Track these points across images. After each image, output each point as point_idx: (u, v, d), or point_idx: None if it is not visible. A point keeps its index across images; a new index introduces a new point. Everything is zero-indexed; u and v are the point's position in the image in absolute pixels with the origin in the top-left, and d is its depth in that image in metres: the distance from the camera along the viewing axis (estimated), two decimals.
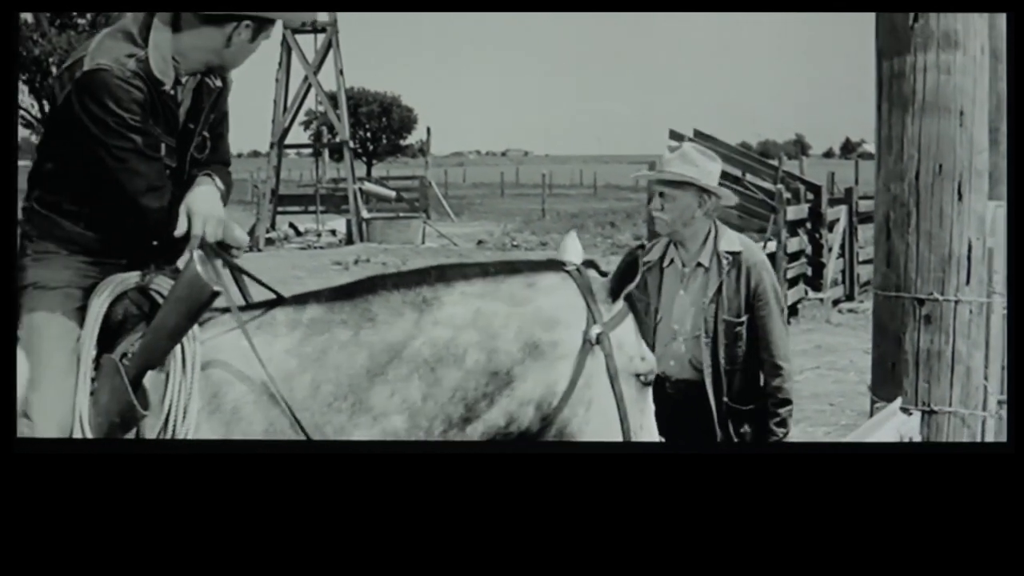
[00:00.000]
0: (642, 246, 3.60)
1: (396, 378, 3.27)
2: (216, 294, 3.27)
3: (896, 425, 3.16)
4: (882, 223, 3.37)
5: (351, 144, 34.30)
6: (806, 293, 18.10)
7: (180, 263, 3.57)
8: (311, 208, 31.91)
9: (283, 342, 3.31)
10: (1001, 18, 3.30)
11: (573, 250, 3.52)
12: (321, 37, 35.48)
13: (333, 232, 31.01)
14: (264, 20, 3.49)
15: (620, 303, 3.38)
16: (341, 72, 33.19)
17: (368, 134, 74.88)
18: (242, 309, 3.41)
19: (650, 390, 3.46)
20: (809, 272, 18.52)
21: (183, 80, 3.54)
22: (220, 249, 3.43)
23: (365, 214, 31.27)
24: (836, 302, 18.44)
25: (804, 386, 12.11)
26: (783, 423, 4.54)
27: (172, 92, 3.51)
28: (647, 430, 3.41)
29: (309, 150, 44.51)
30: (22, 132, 55.52)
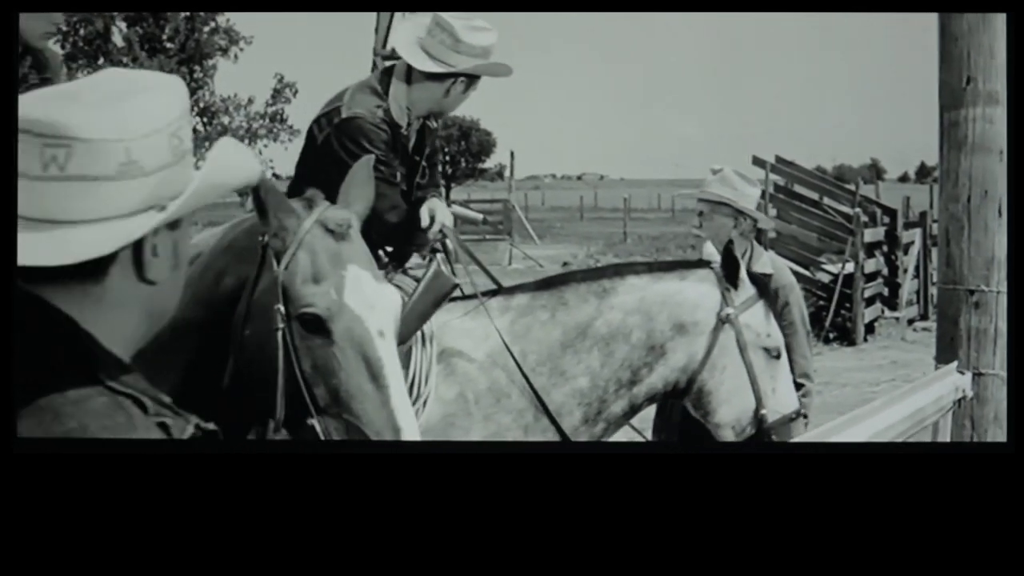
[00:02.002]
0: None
1: (581, 349, 4.19)
2: (456, 286, 4.18)
3: (953, 380, 4.11)
4: (943, 234, 4.36)
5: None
6: (882, 312, 18.61)
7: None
8: None
9: (497, 322, 4.22)
10: None
11: (709, 251, 4.54)
12: None
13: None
14: (474, 76, 4.49)
15: (750, 292, 4.28)
16: None
17: (447, 157, 75.42)
18: (468, 297, 4.32)
19: (780, 362, 4.27)
20: (885, 292, 19.05)
21: (412, 123, 4.54)
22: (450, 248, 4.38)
23: None
24: (911, 321, 18.89)
25: (881, 396, 12.78)
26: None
27: (405, 133, 4.50)
28: (780, 393, 4.23)
29: None
30: None
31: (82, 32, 52.26)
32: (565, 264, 29.63)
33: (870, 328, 17.70)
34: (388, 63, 4.62)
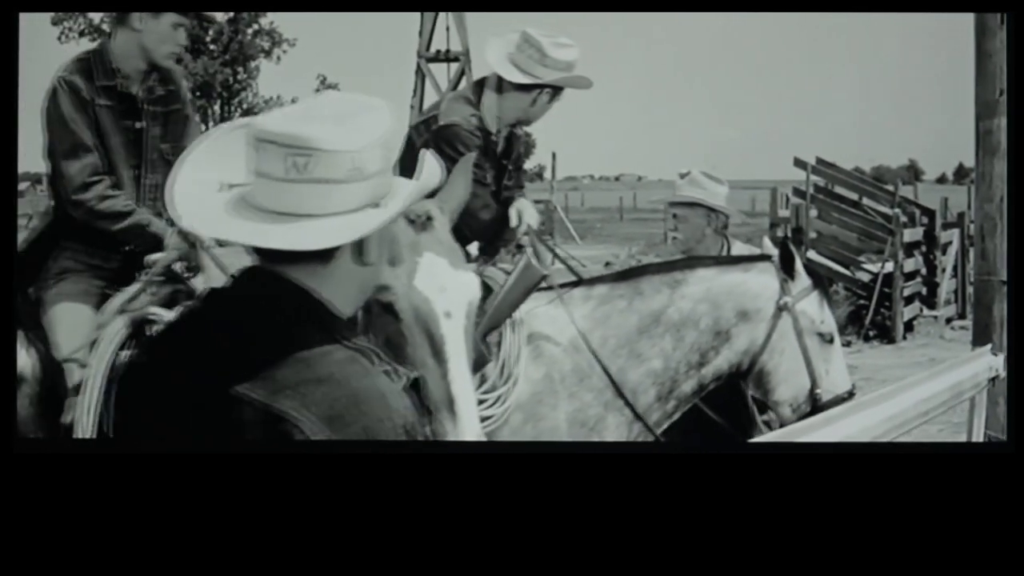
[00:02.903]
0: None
1: (655, 334, 4.62)
2: (544, 277, 4.59)
3: (987, 361, 4.56)
4: (979, 230, 4.81)
5: None
6: (921, 311, 18.73)
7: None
8: None
9: (580, 310, 4.65)
10: None
11: (768, 246, 4.99)
12: (454, 66, 36.81)
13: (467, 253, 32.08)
14: (558, 87, 4.94)
15: (806, 283, 4.73)
16: None
17: None
18: (552, 288, 4.69)
19: (833, 346, 4.73)
20: (924, 291, 19.14)
21: (501, 130, 5.00)
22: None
23: None
24: (949, 320, 18.92)
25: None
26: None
27: (495, 139, 4.97)
28: (833, 374, 4.69)
29: None
30: None
31: None
32: (607, 264, 29.37)
33: (909, 326, 17.86)
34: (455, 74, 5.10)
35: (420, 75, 37.03)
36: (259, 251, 2.22)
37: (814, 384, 4.67)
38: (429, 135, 4.83)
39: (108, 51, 4.49)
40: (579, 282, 4.83)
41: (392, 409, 2.19)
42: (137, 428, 2.37)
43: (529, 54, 4.90)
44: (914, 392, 4.04)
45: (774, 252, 4.83)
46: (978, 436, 4.59)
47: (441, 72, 36.83)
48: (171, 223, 4.31)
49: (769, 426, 5.06)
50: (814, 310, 4.73)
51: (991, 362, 4.57)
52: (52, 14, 53.48)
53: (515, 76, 4.90)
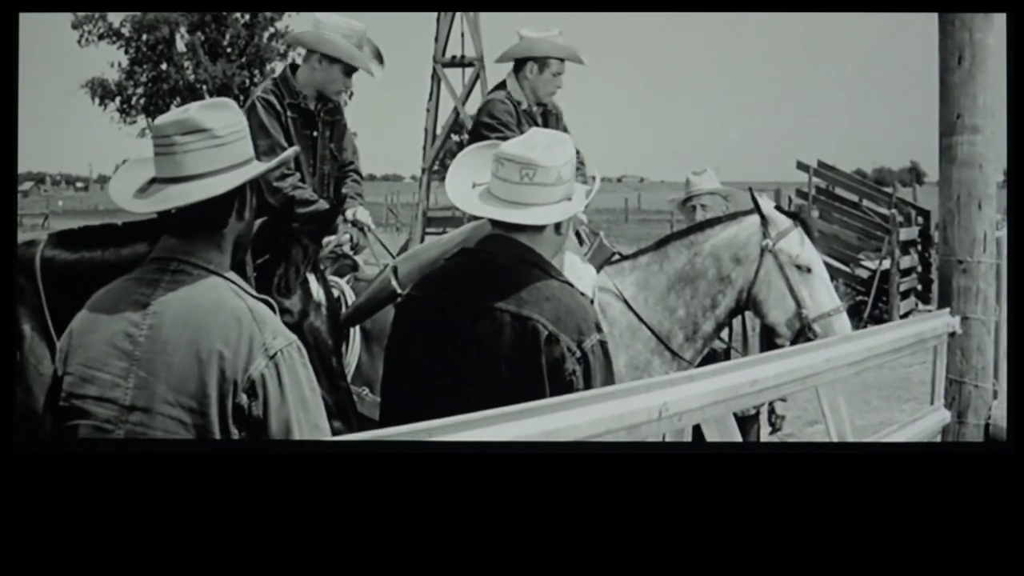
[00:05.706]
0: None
1: (678, 288, 5.73)
2: (614, 254, 5.73)
3: (946, 320, 5.72)
4: (942, 223, 6.00)
5: None
6: (916, 305, 19.71)
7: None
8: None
9: (629, 278, 5.77)
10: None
11: (766, 205, 5.90)
12: (469, 71, 37.70)
13: None
14: (544, 58, 6.08)
15: (785, 225, 5.64)
16: None
17: None
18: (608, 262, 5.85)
19: (811, 274, 5.58)
20: (919, 287, 20.20)
21: (533, 107, 6.17)
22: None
23: None
24: None
25: (914, 374, 13.84)
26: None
27: (533, 115, 6.13)
28: (815, 298, 5.56)
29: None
30: None
31: (145, 38, 53.80)
32: None
33: (905, 319, 17.89)
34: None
35: (436, 80, 37.76)
36: (495, 224, 3.47)
37: (799, 306, 5.55)
38: (477, 116, 6.19)
39: (291, 78, 5.87)
40: (628, 255, 6.02)
41: (590, 316, 3.42)
42: (410, 333, 3.53)
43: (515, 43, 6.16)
44: (888, 334, 5.16)
45: (764, 204, 5.84)
46: (940, 375, 5.75)
47: (456, 77, 37.67)
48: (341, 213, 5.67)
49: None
50: (792, 247, 5.65)
51: (949, 321, 5.78)
52: (72, 19, 54.24)
53: (497, 58, 6.24)
